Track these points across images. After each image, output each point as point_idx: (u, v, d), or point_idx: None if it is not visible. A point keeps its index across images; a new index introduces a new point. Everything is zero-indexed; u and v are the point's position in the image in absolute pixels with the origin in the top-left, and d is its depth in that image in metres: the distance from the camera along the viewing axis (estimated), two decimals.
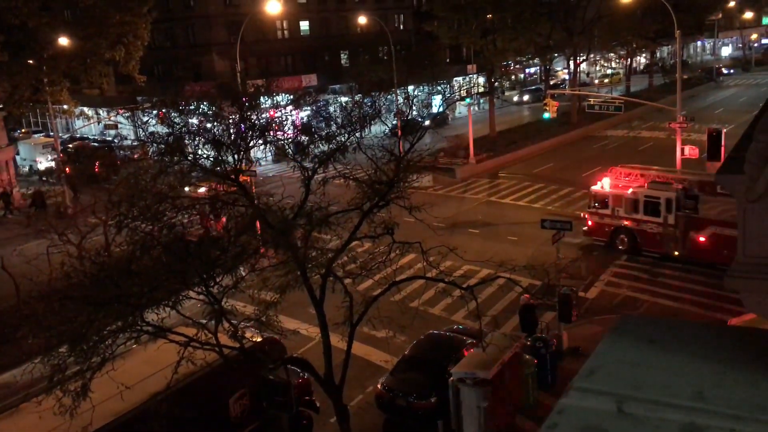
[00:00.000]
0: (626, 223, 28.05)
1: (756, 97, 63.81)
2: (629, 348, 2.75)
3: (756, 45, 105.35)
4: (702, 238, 25.70)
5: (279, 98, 15.70)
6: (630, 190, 27.95)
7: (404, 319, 17.92)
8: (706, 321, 20.37)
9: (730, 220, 23.69)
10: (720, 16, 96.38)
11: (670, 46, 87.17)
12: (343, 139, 13.72)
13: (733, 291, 6.76)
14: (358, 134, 14.12)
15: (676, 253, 26.72)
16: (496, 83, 58.74)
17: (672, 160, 35.33)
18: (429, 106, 61.20)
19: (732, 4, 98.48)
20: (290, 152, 14.16)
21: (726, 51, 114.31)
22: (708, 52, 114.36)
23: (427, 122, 47.19)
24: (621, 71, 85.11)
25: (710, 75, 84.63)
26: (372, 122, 14.68)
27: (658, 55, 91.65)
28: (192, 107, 14.00)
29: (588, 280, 25.86)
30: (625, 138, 53.71)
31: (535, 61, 69.26)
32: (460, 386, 15.87)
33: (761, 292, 5.81)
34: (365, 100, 15.22)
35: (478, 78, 71.62)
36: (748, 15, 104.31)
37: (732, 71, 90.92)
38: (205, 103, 14.24)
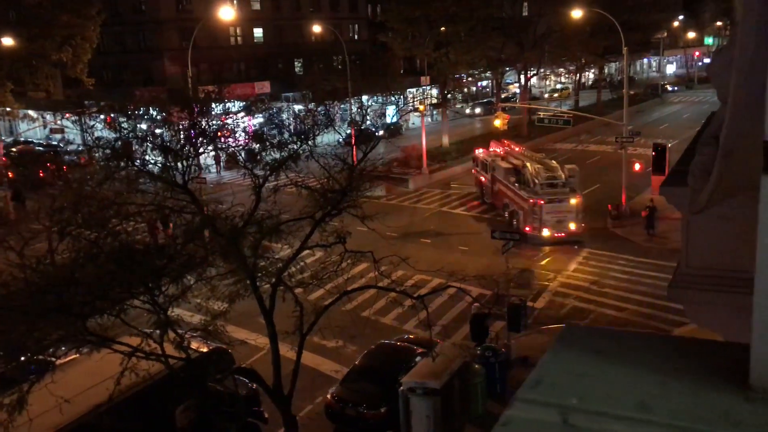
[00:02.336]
0: (481, 178, 39.22)
1: (699, 114, 65.99)
2: (574, 359, 2.74)
3: (699, 63, 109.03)
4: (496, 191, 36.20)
5: (231, 105, 15.52)
6: (480, 152, 39.28)
7: (355, 329, 17.85)
8: (651, 331, 20.85)
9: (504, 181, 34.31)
10: (665, 35, 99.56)
11: (617, 63, 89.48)
12: (295, 147, 13.63)
13: (676, 301, 6.92)
14: (310, 142, 14.04)
15: (488, 200, 38.03)
16: (449, 95, 59.31)
17: (619, 174, 36.25)
18: (383, 116, 61.48)
19: (676, 24, 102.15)
20: (241, 159, 14.01)
21: (671, 68, 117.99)
22: (654, 69, 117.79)
23: (380, 132, 47.36)
24: (570, 86, 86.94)
25: (656, 91, 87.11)
26: (325, 131, 14.64)
27: (606, 71, 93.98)
28: (141, 112, 13.73)
29: (536, 290, 26.20)
30: (573, 151, 54.75)
31: (488, 74, 70.10)
32: (410, 396, 15.85)
33: (702, 303, 5.95)
34: (319, 109, 15.17)
35: (431, 89, 72.23)
36: (692, 35, 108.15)
37: (676, 88, 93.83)
38: (154, 108, 13.98)
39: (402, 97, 67.80)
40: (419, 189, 43.76)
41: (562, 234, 31.05)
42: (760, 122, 2.28)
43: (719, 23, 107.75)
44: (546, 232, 30.94)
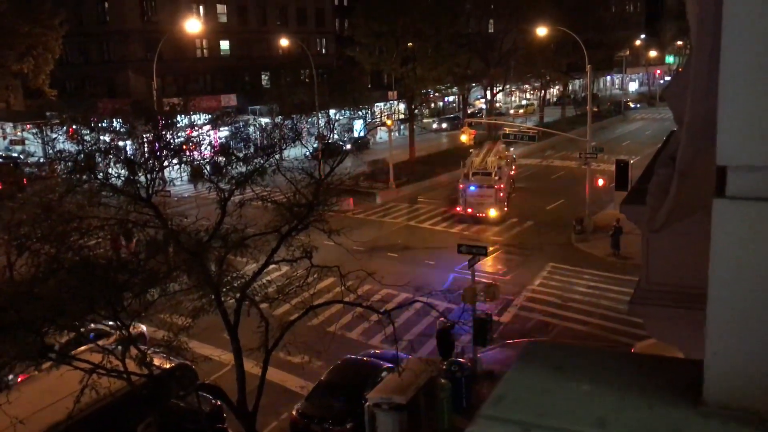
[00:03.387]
0: None
1: (660, 131, 67.43)
2: (536, 375, 2.79)
3: (660, 81, 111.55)
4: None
5: (196, 117, 15.42)
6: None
7: (321, 344, 17.73)
8: (611, 347, 21.14)
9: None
10: (628, 53, 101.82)
11: (581, 80, 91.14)
12: (261, 160, 13.59)
13: (637, 317, 7.06)
14: (277, 156, 14.02)
15: None
16: (416, 110, 59.75)
17: (582, 189, 36.82)
18: (350, 130, 61.66)
19: (639, 42, 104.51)
20: (206, 173, 13.91)
21: (633, 86, 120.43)
22: (617, 86, 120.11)
23: (348, 146, 47.47)
24: (535, 102, 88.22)
25: (618, 108, 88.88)
26: (292, 145, 14.62)
27: (570, 87, 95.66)
28: (104, 124, 13.56)
29: (502, 304, 26.39)
30: (538, 166, 55.49)
31: (454, 89, 70.87)
32: (376, 411, 15.81)
33: (662, 319, 6.09)
34: (286, 122, 15.16)
35: (398, 104, 72.66)
36: (653, 53, 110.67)
37: (638, 105, 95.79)
38: (118, 120, 13.83)
39: (369, 111, 68.13)
40: (386, 203, 43.89)
41: (482, 214, 37.51)
42: (714, 146, 2.37)
43: (680, 42, 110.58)
44: (469, 211, 37.79)
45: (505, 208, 38.58)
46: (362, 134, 54.78)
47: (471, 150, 43.85)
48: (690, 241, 4.47)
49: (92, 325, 13.13)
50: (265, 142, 13.91)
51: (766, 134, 2.17)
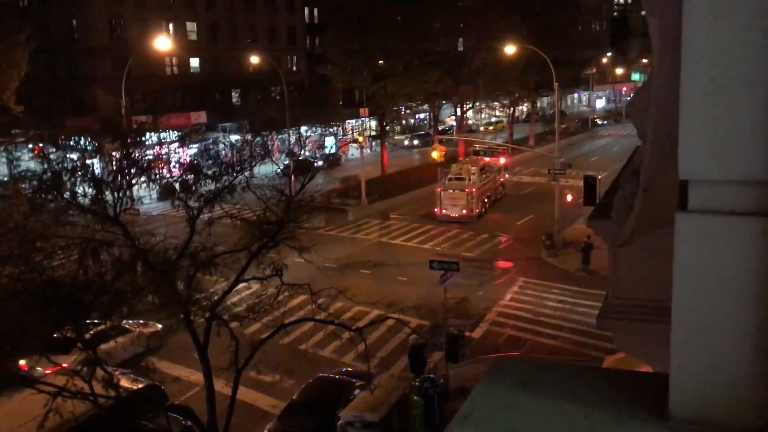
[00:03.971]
0: None
1: (627, 147, 68.47)
2: (504, 391, 2.77)
3: (627, 98, 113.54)
4: None
5: (165, 135, 15.28)
6: None
7: (293, 363, 17.59)
8: (581, 362, 21.27)
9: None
10: (595, 71, 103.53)
11: (549, 97, 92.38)
12: (231, 178, 13.48)
13: (605, 331, 7.11)
14: (247, 173, 13.93)
15: None
16: (388, 127, 59.98)
17: (552, 204, 37.20)
18: (321, 146, 61.72)
19: (605, 60, 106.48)
20: (176, 191, 13.76)
21: (600, 103, 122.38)
22: (584, 103, 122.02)
23: (319, 163, 47.45)
24: (504, 119, 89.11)
25: (586, 125, 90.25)
26: (263, 162, 14.55)
27: (538, 104, 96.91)
28: (72, 142, 13.36)
29: (474, 319, 26.45)
30: (508, 182, 55.88)
31: (425, 107, 71.38)
32: (349, 430, 15.67)
33: (630, 333, 6.12)
34: (256, 140, 15.09)
35: (370, 121, 72.88)
36: (620, 71, 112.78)
37: (606, 122, 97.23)
38: (86, 138, 13.64)
39: (341, 128, 68.28)
40: (358, 220, 43.84)
41: (456, 215, 41.42)
42: (676, 161, 2.39)
43: (645, 60, 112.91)
44: (444, 211, 41.82)
45: (477, 210, 42.27)
46: (334, 151, 54.82)
47: (453, 163, 48.08)
48: (655, 255, 4.51)
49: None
50: (234, 159, 13.81)
51: (725, 149, 2.20)
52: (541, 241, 35.82)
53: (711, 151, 2.20)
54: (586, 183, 31.43)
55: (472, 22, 64.87)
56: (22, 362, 13.28)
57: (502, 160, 49.27)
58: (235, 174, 13.57)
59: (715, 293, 2.29)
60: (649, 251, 5.02)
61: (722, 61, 2.15)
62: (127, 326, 18.05)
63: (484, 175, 44.52)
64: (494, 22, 62.04)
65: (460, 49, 71.08)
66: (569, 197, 39.88)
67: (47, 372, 13.39)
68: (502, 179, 49.19)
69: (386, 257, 35.44)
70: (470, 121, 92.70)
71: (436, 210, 42.51)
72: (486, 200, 44.36)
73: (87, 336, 13.28)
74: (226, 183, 13.42)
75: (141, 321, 14.29)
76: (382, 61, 55.37)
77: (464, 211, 41.66)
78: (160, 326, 19.87)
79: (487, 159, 47.51)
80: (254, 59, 62.44)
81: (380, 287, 28.82)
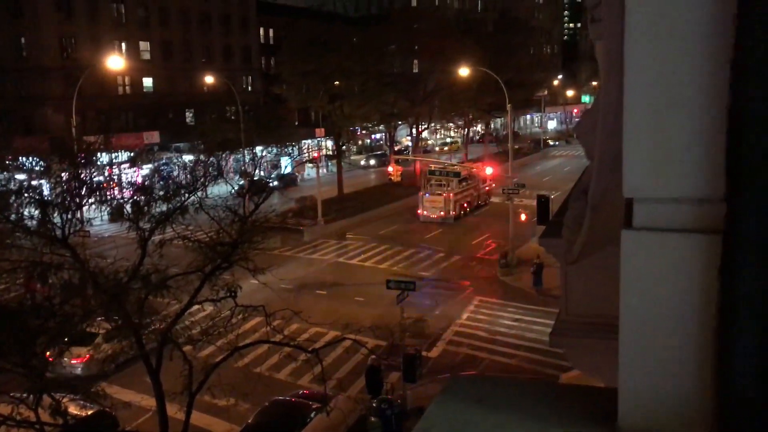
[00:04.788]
0: None
1: (579, 167, 69.91)
2: (458, 408, 2.79)
3: (577, 120, 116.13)
4: None
5: (117, 155, 15.03)
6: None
7: (248, 386, 17.31)
8: (535, 378, 21.48)
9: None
10: (546, 93, 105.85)
11: (502, 118, 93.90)
12: (183, 198, 13.30)
13: (558, 348, 7.21)
14: (200, 194, 13.77)
15: None
16: (344, 147, 60.10)
17: (506, 223, 37.65)
18: (277, 167, 61.40)
19: (556, 82, 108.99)
20: (126, 212, 13.50)
21: (552, 124, 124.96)
22: (536, 124, 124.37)
23: (274, 183, 47.20)
24: (459, 140, 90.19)
25: (539, 146, 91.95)
26: (216, 182, 14.41)
27: (492, 125, 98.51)
28: (19, 163, 13.03)
29: (431, 339, 26.50)
30: None
31: (381, 127, 71.77)
32: None
33: (582, 349, 6.22)
34: (210, 160, 14.95)
35: (326, 141, 72.88)
36: (570, 93, 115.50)
37: (557, 143, 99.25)
38: (34, 158, 13.32)
39: (296, 148, 68.09)
40: (315, 240, 43.64)
41: (436, 216, 46.34)
42: (621, 180, 2.47)
43: (594, 83, 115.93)
44: (425, 213, 46.98)
45: (453, 213, 47.14)
46: (289, 171, 54.62)
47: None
48: (605, 272, 4.61)
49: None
50: (187, 179, 13.63)
51: (666, 168, 2.28)
52: (496, 259, 36.18)
53: (653, 170, 2.28)
54: (539, 202, 31.90)
55: (426, 44, 65.78)
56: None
57: (489, 171, 52.99)
58: (187, 194, 13.39)
59: (659, 308, 2.35)
60: (598, 268, 5.12)
61: (662, 85, 2.25)
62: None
63: (463, 183, 49.25)
64: (448, 44, 63.04)
65: (416, 70, 71.96)
66: (523, 216, 40.48)
67: (73, 362, 14.16)
68: (487, 189, 53.13)
69: (343, 277, 35.33)
70: (430, 141, 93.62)
71: (418, 212, 47.71)
72: (465, 205, 48.88)
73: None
74: (179, 204, 13.22)
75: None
76: (337, 82, 55.60)
77: (442, 213, 46.61)
78: None
79: (472, 169, 52.85)
80: (209, 79, 61.98)
81: (337, 308, 28.67)
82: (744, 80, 2.13)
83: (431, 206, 47.06)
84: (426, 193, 47.55)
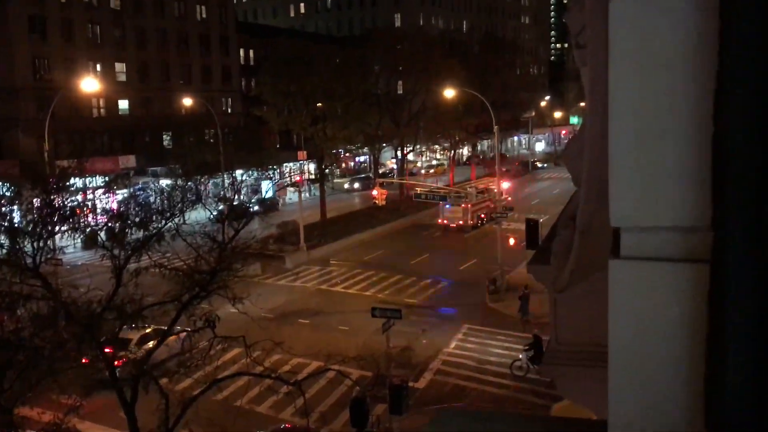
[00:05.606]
0: None
1: (567, 190, 70.08)
2: None
3: (565, 141, 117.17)
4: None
5: (91, 180, 14.98)
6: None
7: (227, 420, 17.10)
8: (525, 412, 21.41)
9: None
10: (534, 114, 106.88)
11: (489, 140, 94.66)
12: (160, 225, 13.25)
13: (548, 377, 7.22)
14: (177, 220, 13.73)
15: None
16: (327, 170, 60.17)
17: (495, 248, 37.74)
18: (258, 191, 61.33)
19: (544, 103, 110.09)
20: (101, 239, 13.41)
21: (540, 146, 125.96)
22: (524, 146, 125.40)
23: (255, 207, 47.16)
24: (445, 162, 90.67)
25: (526, 168, 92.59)
26: (194, 207, 14.38)
27: (479, 147, 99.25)
28: None
29: (418, 369, 26.38)
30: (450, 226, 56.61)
31: (365, 149, 72.09)
32: None
33: (572, 378, 6.23)
34: (188, 184, 14.94)
35: (309, 164, 73.00)
36: (558, 114, 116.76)
37: (545, 165, 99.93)
38: (4, 183, 13.23)
39: (278, 171, 68.14)
40: (297, 267, 43.50)
41: (455, 224, 51.97)
42: (607, 208, 2.51)
43: (583, 104, 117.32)
44: (445, 222, 52.63)
45: (471, 222, 52.82)
46: (270, 195, 54.61)
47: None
48: (595, 300, 4.65)
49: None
50: (165, 204, 13.60)
51: (652, 197, 2.33)
52: (484, 286, 36.21)
53: (639, 198, 2.33)
54: (527, 226, 32.06)
55: (411, 64, 66.39)
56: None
57: (506, 185, 57.68)
58: (164, 221, 13.36)
59: (648, 338, 2.39)
60: (588, 296, 5.16)
61: (647, 113, 2.30)
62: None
63: (479, 196, 55.10)
64: (433, 64, 63.64)
65: (400, 91, 72.44)
66: (512, 241, 40.62)
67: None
68: (504, 202, 58.76)
69: (326, 305, 35.19)
70: (419, 164, 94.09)
71: (438, 221, 53.64)
72: (482, 216, 54.10)
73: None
74: (155, 230, 13.17)
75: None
76: (320, 103, 55.85)
77: (461, 222, 52.37)
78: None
79: (489, 185, 58.58)
80: (187, 101, 62.07)
81: (320, 337, 28.50)
82: (727, 109, 2.19)
83: (451, 216, 52.85)
84: (447, 204, 52.85)
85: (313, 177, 69.45)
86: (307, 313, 33.79)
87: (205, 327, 13.38)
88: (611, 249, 2.52)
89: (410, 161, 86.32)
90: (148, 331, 17.44)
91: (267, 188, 62.45)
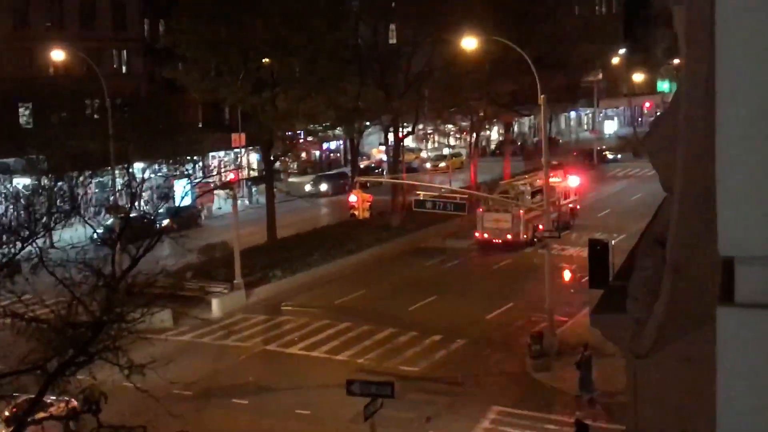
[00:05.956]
0: None
1: (654, 195, 70.14)
2: None
3: (651, 119, 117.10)
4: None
5: None
6: None
7: None
8: None
9: None
10: (601, 77, 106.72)
11: (532, 117, 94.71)
12: (12, 250, 13.22)
13: None
14: (42, 241, 13.70)
15: None
16: (278, 163, 60.02)
17: (539, 286, 37.70)
18: (167, 196, 61.03)
19: (617, 61, 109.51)
20: None
21: (611, 126, 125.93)
22: (586, 127, 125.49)
23: (164, 222, 47.12)
24: (463, 151, 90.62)
25: (590, 160, 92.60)
26: (68, 221, 14.35)
27: (515, 129, 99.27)
28: None
29: None
30: (470, 252, 56.51)
31: (338, 132, 71.95)
32: None
33: None
34: (59, 185, 14.93)
35: (249, 154, 72.85)
36: (639, 77, 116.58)
37: (620, 156, 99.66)
38: None
39: (201, 165, 68.05)
40: (230, 314, 43.29)
41: (500, 240, 54.37)
42: (715, 226, 2.49)
43: (677, 61, 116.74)
44: (485, 236, 54.92)
45: (525, 236, 54.34)
46: (188, 203, 54.52)
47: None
48: (694, 371, 4.64)
49: None
50: (20, 217, 13.58)
51: None
52: (525, 344, 36.17)
53: (764, 215, 2.28)
54: (592, 252, 32.04)
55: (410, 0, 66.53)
56: None
57: (574, 182, 60.17)
58: (19, 243, 13.32)
59: None
60: (685, 363, 5.15)
61: None
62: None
63: (537, 198, 55.26)
64: (444, 0, 63.71)
65: (393, 41, 72.45)
66: (567, 274, 40.64)
67: None
68: (571, 206, 61.21)
69: (275, 377, 35.07)
70: (423, 154, 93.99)
71: (476, 234, 55.60)
72: (540, 227, 52.30)
73: None
74: (4, 259, 13.14)
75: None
76: (267, 59, 55.75)
77: (509, 236, 54.19)
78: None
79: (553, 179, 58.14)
80: (57, 54, 61.82)
81: (265, 427, 28.37)
82: None
83: (494, 227, 54.55)
84: (487, 210, 54.65)
85: (256, 175, 69.38)
86: (245, 390, 33.65)
87: (84, 412, 13.34)
88: (720, 291, 2.50)
89: (409, 150, 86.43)
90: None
91: (183, 192, 62.23)
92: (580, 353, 32.09)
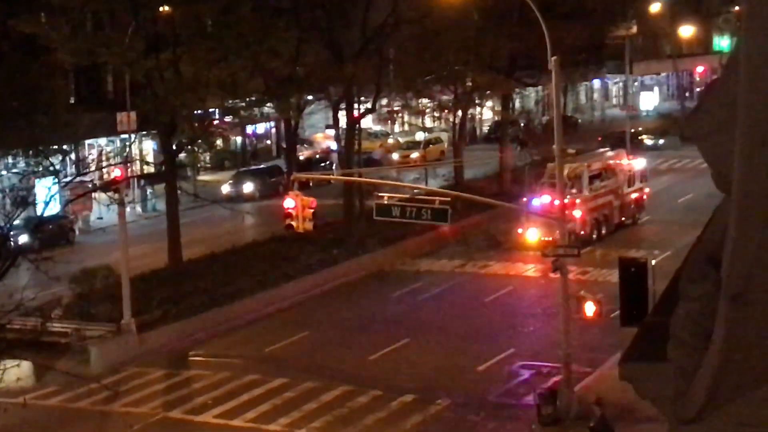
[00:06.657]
0: None
1: (708, 195, 70.64)
2: None
3: (699, 92, 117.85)
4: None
5: None
6: None
7: None
8: None
9: None
10: (635, 30, 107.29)
11: (540, 88, 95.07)
12: None
13: None
14: None
15: None
16: (183, 154, 59.99)
17: (551, 321, 37.93)
18: (26, 202, 60.79)
19: (656, 10, 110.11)
20: None
21: (649, 100, 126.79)
22: (615, 101, 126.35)
23: (22, 239, 47.07)
24: (445, 136, 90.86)
25: (620, 145, 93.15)
26: None
27: (518, 104, 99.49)
28: None
29: None
30: (455, 275, 56.82)
31: (268, 109, 71.87)
32: None
33: None
34: None
35: (142, 142, 72.81)
36: (687, 31, 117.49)
37: (661, 141, 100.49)
38: None
39: (74, 158, 67.87)
40: (116, 370, 43.21)
41: (551, 237, 52.13)
42: None
43: (737, 8, 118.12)
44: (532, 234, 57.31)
45: (584, 231, 57.62)
46: (57, 211, 54.47)
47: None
48: None
49: None
50: None
51: None
52: (532, 407, 36.42)
53: None
54: (624, 276, 32.28)
55: None
56: None
57: (640, 164, 64.44)
58: None
59: None
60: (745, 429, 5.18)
61: None
62: None
63: (596, 184, 61.00)
64: None
65: None
66: (591, 307, 40.87)
67: None
68: (635, 195, 64.09)
69: None
70: (389, 140, 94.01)
71: (519, 230, 59.56)
72: (602, 219, 60.36)
73: None
74: None
75: None
76: (165, 7, 55.74)
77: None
78: None
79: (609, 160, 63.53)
80: None
81: None
82: None
83: (543, 222, 55.93)
84: (531, 200, 58.05)
85: (152, 171, 69.44)
86: None
87: None
88: None
89: (370, 134, 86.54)
90: None
91: (49, 196, 62.13)
92: (593, 413, 32.37)
